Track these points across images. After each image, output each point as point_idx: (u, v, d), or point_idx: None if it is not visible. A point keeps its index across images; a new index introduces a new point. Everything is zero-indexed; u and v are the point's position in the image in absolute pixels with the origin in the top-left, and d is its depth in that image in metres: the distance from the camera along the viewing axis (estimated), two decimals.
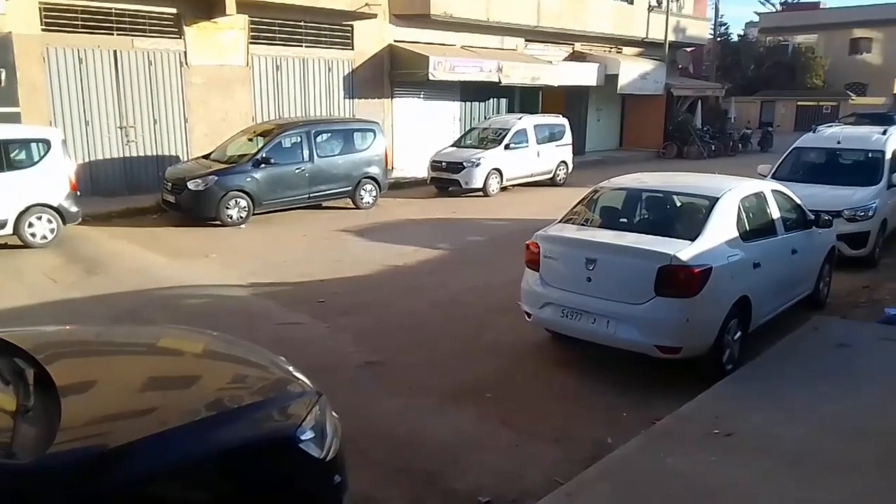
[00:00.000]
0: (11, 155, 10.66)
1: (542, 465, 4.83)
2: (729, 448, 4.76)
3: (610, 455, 4.73)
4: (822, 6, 51.33)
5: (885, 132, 11.17)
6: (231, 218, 12.80)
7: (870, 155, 10.79)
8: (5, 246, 10.79)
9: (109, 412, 3.11)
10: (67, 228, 11.23)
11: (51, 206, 10.87)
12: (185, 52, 15.72)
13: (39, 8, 13.67)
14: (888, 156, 10.59)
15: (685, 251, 5.82)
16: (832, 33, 46.24)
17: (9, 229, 10.57)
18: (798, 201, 7.66)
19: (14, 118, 12.97)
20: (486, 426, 5.42)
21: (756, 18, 54.23)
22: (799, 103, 44.59)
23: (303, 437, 3.16)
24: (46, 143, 10.87)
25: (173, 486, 2.83)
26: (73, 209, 11.16)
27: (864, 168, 10.63)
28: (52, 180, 10.85)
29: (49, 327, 4.65)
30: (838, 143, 11.26)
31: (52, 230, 10.93)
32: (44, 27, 13.79)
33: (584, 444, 5.13)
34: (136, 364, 3.84)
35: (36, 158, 10.82)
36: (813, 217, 7.63)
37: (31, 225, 10.74)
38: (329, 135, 14.68)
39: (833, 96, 44.18)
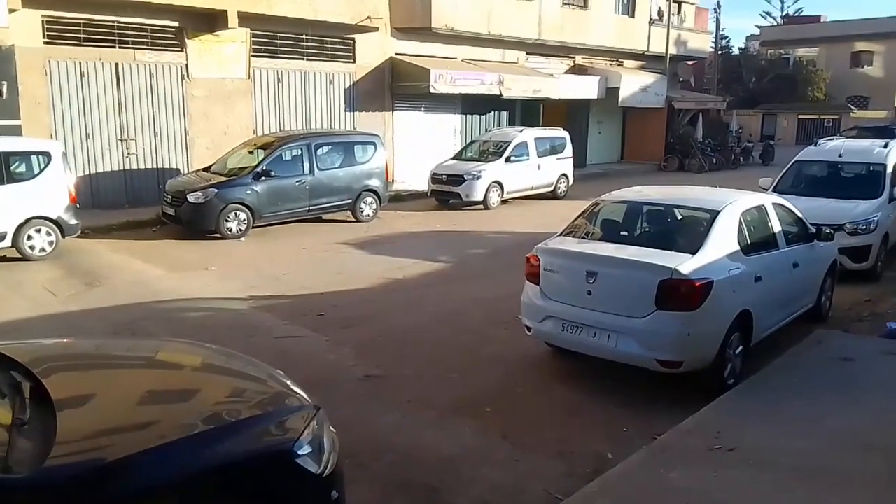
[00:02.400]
0: (11, 167, 10.65)
1: (543, 479, 4.79)
2: (731, 463, 4.72)
3: (611, 470, 4.70)
4: (823, 19, 51.50)
5: (886, 145, 11.17)
6: (231, 231, 12.79)
7: (871, 168, 10.78)
8: (4, 259, 10.76)
9: (106, 426, 3.09)
10: (67, 241, 11.21)
11: (50, 219, 10.85)
12: (187, 65, 15.77)
13: (42, 21, 13.72)
14: (890, 169, 10.58)
15: (686, 264, 5.80)
16: (833, 46, 46.38)
17: (7, 242, 10.54)
18: (799, 214, 7.65)
19: (15, 130, 12.97)
20: (486, 440, 5.38)
21: (757, 32, 54.51)
22: (800, 116, 44.67)
23: (300, 452, 3.14)
24: (47, 156, 10.87)
25: (170, 499, 2.82)
26: (73, 222, 11.15)
27: (866, 181, 10.61)
28: (52, 193, 10.83)
29: (46, 340, 4.62)
30: (840, 156, 11.25)
31: (51, 243, 10.91)
32: (46, 40, 13.84)
33: (585, 458, 5.09)
34: (133, 377, 3.82)
35: (36, 171, 10.82)
36: (814, 230, 7.62)
37: (29, 237, 10.71)
38: (329, 147, 14.69)
39: (835, 109, 44.26)
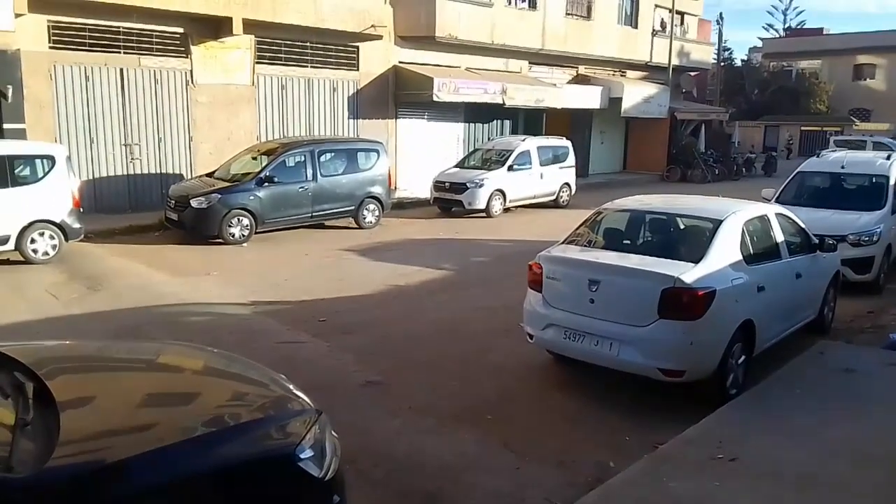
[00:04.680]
0: (16, 171, 10.68)
1: (544, 488, 4.77)
2: (733, 473, 4.70)
3: (613, 479, 4.68)
4: (825, 32, 51.65)
5: (889, 157, 11.18)
6: (233, 236, 12.81)
7: (874, 180, 10.79)
8: (7, 262, 10.78)
9: (108, 427, 3.10)
10: (70, 245, 11.22)
11: (53, 223, 10.87)
12: (192, 71, 15.84)
13: (48, 26, 13.80)
14: (892, 181, 10.59)
15: (689, 273, 5.79)
16: (836, 59, 46.51)
17: (11, 245, 10.56)
18: (802, 225, 7.65)
19: (20, 134, 12.99)
20: (487, 448, 5.37)
21: (760, 44, 54.65)
22: (803, 128, 44.71)
23: (302, 456, 3.13)
24: (51, 160, 10.90)
25: (171, 501, 2.80)
26: (76, 225, 11.16)
27: (869, 193, 10.62)
28: (56, 196, 10.86)
29: (49, 342, 4.63)
30: (842, 167, 11.27)
31: (54, 246, 10.92)
32: (52, 44, 13.92)
33: (586, 467, 5.07)
34: (135, 380, 3.83)
35: (40, 174, 10.84)
36: (817, 241, 7.62)
37: (33, 241, 10.73)
38: (333, 154, 14.73)
39: (837, 122, 44.32)
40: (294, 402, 3.61)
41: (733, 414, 5.70)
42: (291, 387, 3.82)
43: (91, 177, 14.63)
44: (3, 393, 3.21)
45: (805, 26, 57.53)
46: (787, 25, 59.18)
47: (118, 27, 14.64)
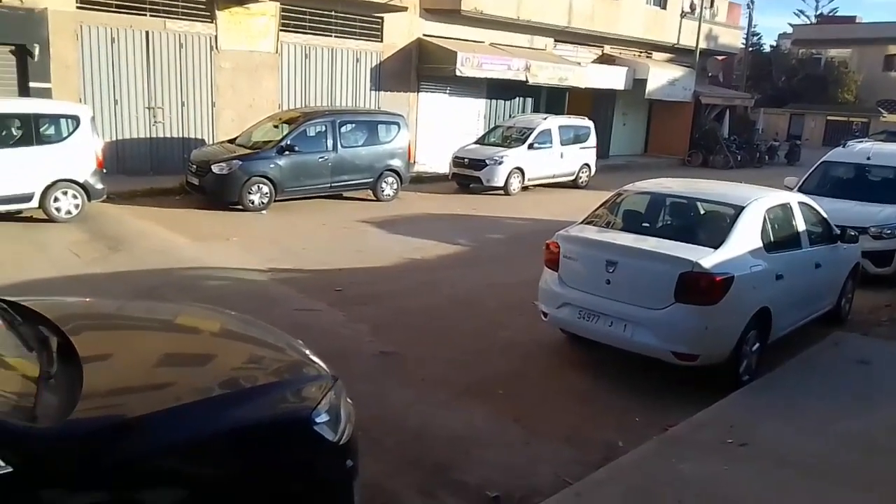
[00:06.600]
0: (41, 129, 10.76)
1: (553, 463, 4.82)
2: (742, 457, 4.73)
3: (622, 457, 4.72)
4: (858, 20, 50.58)
5: None
6: (253, 203, 12.86)
7: None
8: (31, 219, 10.92)
9: (127, 384, 3.15)
10: (92, 205, 11.33)
11: (77, 182, 10.97)
12: (216, 37, 15.81)
13: None
14: None
15: (708, 258, 5.77)
16: (867, 48, 45.57)
17: (35, 203, 10.67)
18: (824, 215, 7.57)
19: (45, 93, 13.11)
20: (497, 422, 5.42)
21: (790, 30, 53.69)
22: (829, 118, 44.03)
23: (317, 420, 3.18)
24: (76, 120, 10.98)
25: (186, 460, 2.86)
26: (99, 186, 11.26)
27: (893, 185, 10.48)
28: (80, 156, 10.95)
29: (72, 298, 4.70)
30: (868, 159, 11.12)
31: (76, 206, 11.03)
32: (78, 5, 13.92)
33: (595, 445, 5.11)
34: (155, 339, 3.88)
35: (64, 134, 10.93)
36: (839, 232, 7.55)
37: (56, 199, 10.83)
38: (353, 125, 14.71)
39: (864, 112, 43.57)
40: (310, 368, 3.65)
41: (746, 399, 5.72)
42: (308, 352, 3.86)
43: (114, 138, 14.70)
44: (28, 346, 3.27)
45: (837, 13, 56.39)
46: (818, 12, 58.02)
47: None
